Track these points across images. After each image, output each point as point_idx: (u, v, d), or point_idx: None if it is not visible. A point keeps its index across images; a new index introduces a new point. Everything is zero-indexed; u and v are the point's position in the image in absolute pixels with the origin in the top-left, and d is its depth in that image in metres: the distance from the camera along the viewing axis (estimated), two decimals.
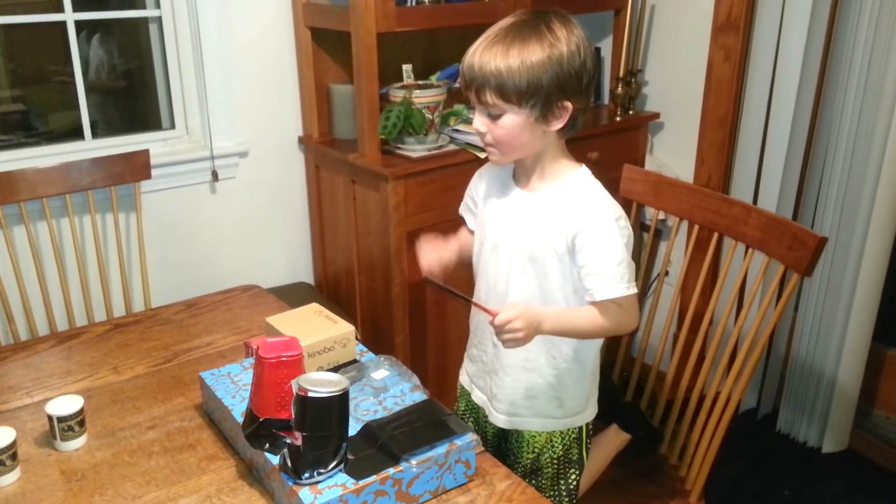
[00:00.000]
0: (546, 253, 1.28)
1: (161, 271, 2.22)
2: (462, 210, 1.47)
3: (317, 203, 2.39)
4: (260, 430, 1.14)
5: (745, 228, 1.52)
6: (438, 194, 2.08)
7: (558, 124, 1.23)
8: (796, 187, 2.33)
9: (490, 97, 1.20)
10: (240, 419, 1.20)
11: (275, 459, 1.11)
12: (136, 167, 2.00)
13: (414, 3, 2.06)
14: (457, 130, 2.21)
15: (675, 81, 2.52)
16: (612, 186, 1.69)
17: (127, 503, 1.15)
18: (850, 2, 2.08)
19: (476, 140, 2.05)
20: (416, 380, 1.33)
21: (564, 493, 1.43)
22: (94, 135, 2.16)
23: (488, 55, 1.19)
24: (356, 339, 1.41)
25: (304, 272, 2.51)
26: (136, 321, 1.74)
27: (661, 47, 2.54)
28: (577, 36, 1.20)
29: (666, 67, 2.54)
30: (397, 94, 2.08)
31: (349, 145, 2.18)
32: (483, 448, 1.24)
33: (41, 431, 1.31)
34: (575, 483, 1.43)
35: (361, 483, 1.06)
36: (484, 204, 1.39)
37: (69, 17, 2.05)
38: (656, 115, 2.55)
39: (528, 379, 1.37)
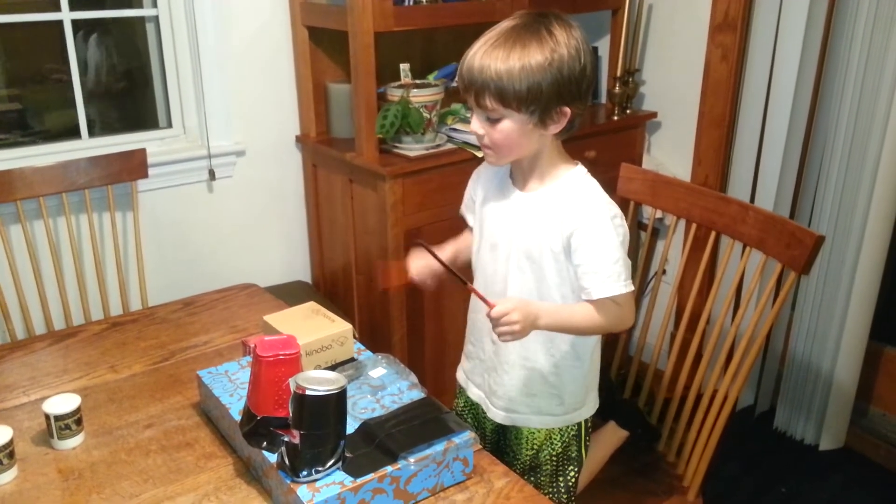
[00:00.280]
0: (543, 252, 1.28)
1: (158, 270, 2.22)
2: (463, 210, 1.47)
3: (314, 202, 2.39)
4: (257, 428, 1.13)
5: (742, 227, 1.52)
6: (436, 193, 2.08)
7: (556, 128, 1.23)
8: (793, 186, 2.33)
9: (489, 102, 1.20)
10: (237, 417, 1.20)
11: (272, 457, 1.11)
12: (133, 166, 2.00)
13: (411, 3, 2.06)
14: (454, 129, 2.21)
15: (672, 81, 2.52)
16: (610, 185, 1.69)
17: (124, 502, 1.14)
18: (846, 2, 2.08)
19: (473, 139, 2.04)
20: (413, 378, 1.33)
21: (563, 490, 1.43)
22: (91, 134, 2.16)
23: (488, 59, 1.18)
24: (354, 337, 1.41)
25: (301, 271, 2.51)
26: (134, 320, 1.74)
27: (659, 47, 2.54)
28: (577, 39, 1.20)
29: (663, 67, 2.54)
30: (395, 94, 2.07)
31: (347, 144, 2.18)
32: (481, 446, 1.24)
33: (38, 430, 1.31)
34: (573, 480, 1.44)
35: (359, 481, 1.06)
36: (482, 203, 1.39)
37: (66, 16, 2.04)
38: (654, 115, 2.55)
39: (526, 376, 1.37)
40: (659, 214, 1.75)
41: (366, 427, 1.17)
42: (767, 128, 2.29)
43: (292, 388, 1.06)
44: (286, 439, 1.09)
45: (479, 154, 2.01)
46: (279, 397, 1.12)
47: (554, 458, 1.42)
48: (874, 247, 2.15)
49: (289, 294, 2.07)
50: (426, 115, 2.09)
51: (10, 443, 1.19)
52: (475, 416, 1.50)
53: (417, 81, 2.17)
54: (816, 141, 2.27)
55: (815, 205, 2.27)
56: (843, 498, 2.23)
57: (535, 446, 1.41)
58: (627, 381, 1.78)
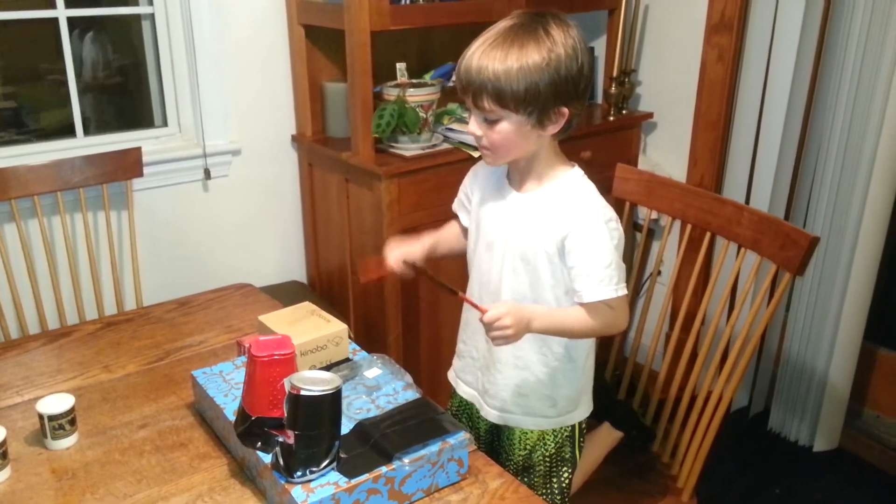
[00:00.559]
0: (537, 254, 1.28)
1: (153, 269, 2.22)
2: (455, 206, 1.47)
3: (310, 201, 2.39)
4: (252, 428, 1.13)
5: (737, 228, 1.52)
6: (432, 193, 2.08)
7: (554, 129, 1.23)
8: (788, 187, 2.34)
9: (487, 103, 1.19)
10: (232, 418, 1.20)
11: (267, 458, 1.11)
12: (129, 165, 2.00)
13: (408, 2, 2.06)
14: (450, 129, 2.21)
15: (668, 81, 2.52)
16: (606, 186, 1.70)
17: (118, 502, 1.14)
18: (842, 3, 2.09)
19: (469, 139, 2.05)
20: (408, 378, 1.33)
21: (557, 491, 1.43)
22: (87, 132, 2.15)
23: (486, 60, 1.18)
24: (349, 337, 1.41)
25: (296, 271, 2.51)
26: (128, 319, 1.73)
27: (655, 47, 2.54)
28: (574, 38, 1.20)
29: (659, 67, 2.55)
30: (391, 93, 2.07)
31: (342, 144, 2.18)
32: (476, 446, 1.24)
33: (32, 430, 1.30)
34: (567, 481, 1.44)
35: (354, 481, 1.06)
36: (478, 202, 1.39)
37: (62, 13, 2.04)
38: (649, 115, 2.56)
39: (519, 377, 1.37)
40: (654, 215, 1.75)
41: (361, 427, 1.17)
42: (763, 129, 2.30)
43: (287, 388, 1.06)
44: (281, 440, 1.08)
45: (476, 154, 2.01)
46: (274, 397, 1.12)
47: (547, 459, 1.42)
48: (869, 248, 2.16)
49: (284, 294, 2.06)
50: (422, 114, 2.09)
51: (4, 443, 1.19)
52: (469, 416, 1.50)
53: (414, 81, 2.16)
54: (812, 142, 2.28)
55: (810, 206, 2.28)
56: (837, 499, 2.24)
57: (529, 447, 1.41)
58: (622, 382, 1.78)
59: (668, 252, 1.91)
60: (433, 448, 1.13)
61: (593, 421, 1.51)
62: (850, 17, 2.06)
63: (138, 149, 2.01)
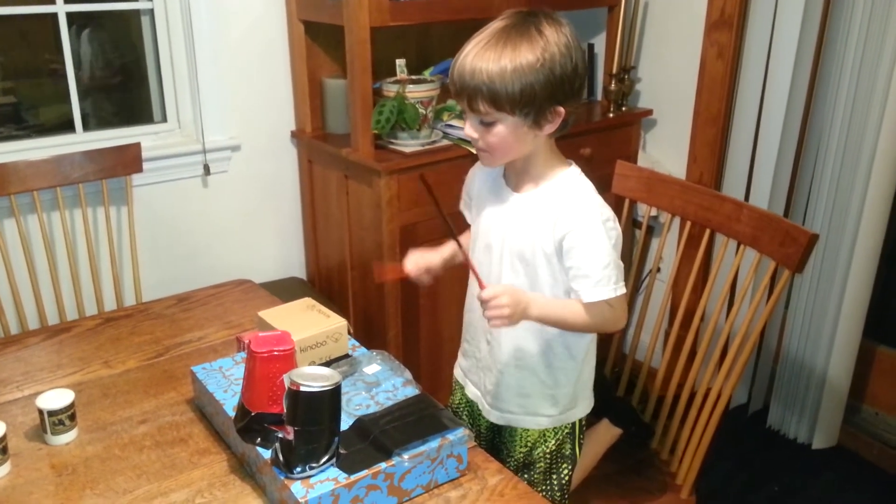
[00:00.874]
0: (535, 253, 1.28)
1: (152, 265, 2.22)
2: (462, 207, 1.47)
3: (309, 198, 2.38)
4: (252, 424, 1.13)
5: (736, 225, 1.52)
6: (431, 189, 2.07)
7: (550, 128, 1.23)
8: (788, 184, 2.34)
9: (482, 106, 1.19)
10: (231, 413, 1.20)
11: (266, 454, 1.11)
12: (128, 160, 2.00)
13: None
14: (450, 126, 2.21)
15: (668, 78, 2.52)
16: (605, 182, 1.70)
17: (118, 497, 1.14)
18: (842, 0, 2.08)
19: None
20: (408, 374, 1.33)
21: (556, 488, 1.43)
22: (86, 128, 2.15)
23: (479, 62, 1.17)
24: (348, 333, 1.41)
25: (296, 267, 2.51)
26: (128, 315, 1.73)
27: (655, 44, 2.54)
28: (567, 37, 1.19)
29: (659, 64, 2.54)
30: (391, 89, 2.07)
31: (342, 140, 2.17)
32: (475, 443, 1.24)
33: (32, 425, 1.31)
34: (567, 478, 1.44)
35: (353, 477, 1.06)
36: (477, 202, 1.40)
37: (61, 8, 2.03)
38: (649, 112, 2.56)
39: (521, 377, 1.37)
40: (654, 212, 1.75)
41: (360, 423, 1.17)
42: (762, 126, 2.30)
43: (286, 384, 1.06)
44: (280, 435, 1.09)
45: (475, 150, 2.01)
46: (273, 393, 1.12)
47: (547, 456, 1.42)
48: (868, 245, 2.16)
49: (283, 290, 2.07)
50: (422, 110, 2.09)
51: (4, 438, 1.19)
52: (471, 413, 1.50)
53: (413, 77, 2.16)
54: (811, 139, 2.28)
55: (810, 203, 2.28)
56: (835, 496, 2.24)
57: (529, 444, 1.42)
58: (621, 379, 1.78)
59: (667, 249, 1.91)
60: (432, 444, 1.13)
61: (592, 418, 1.51)
62: (850, 13, 2.06)
63: (138, 144, 2.01)
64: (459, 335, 1.50)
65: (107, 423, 1.33)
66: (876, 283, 2.22)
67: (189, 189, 2.26)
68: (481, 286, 1.19)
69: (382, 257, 2.07)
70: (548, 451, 1.42)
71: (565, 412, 1.40)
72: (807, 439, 2.42)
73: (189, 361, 1.49)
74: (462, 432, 1.16)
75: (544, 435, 1.41)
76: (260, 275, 2.30)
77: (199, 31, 2.14)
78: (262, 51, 2.26)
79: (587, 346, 1.38)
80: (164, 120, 2.26)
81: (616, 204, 1.80)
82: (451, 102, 2.33)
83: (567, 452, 1.43)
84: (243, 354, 1.37)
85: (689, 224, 1.64)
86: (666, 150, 2.58)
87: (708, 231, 1.59)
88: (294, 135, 2.37)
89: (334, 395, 1.06)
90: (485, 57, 1.17)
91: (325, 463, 1.07)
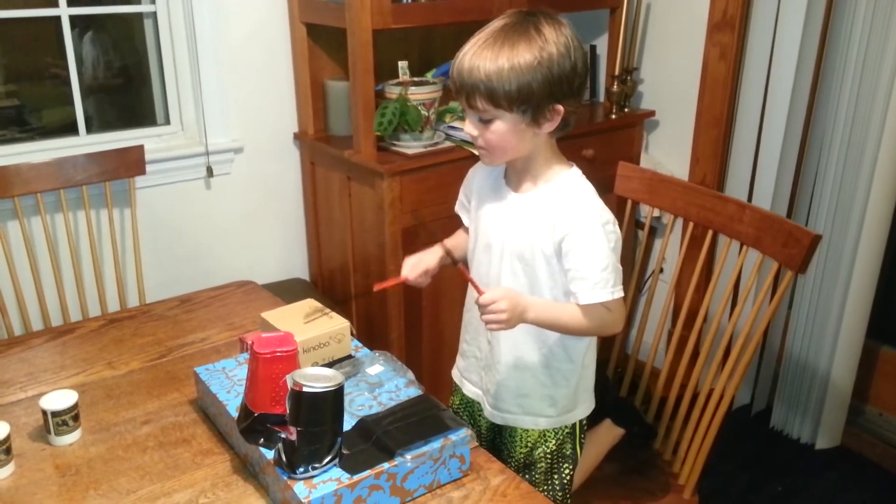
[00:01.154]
0: (535, 254, 1.28)
1: (155, 267, 2.22)
2: (457, 208, 1.48)
3: (312, 199, 2.39)
4: (254, 425, 1.14)
5: (739, 226, 1.52)
6: (434, 191, 2.08)
7: (550, 127, 1.23)
8: (791, 185, 2.33)
9: (480, 103, 1.20)
10: (234, 414, 1.20)
11: (269, 454, 1.11)
12: (131, 163, 2.00)
13: (410, 0, 2.06)
14: (452, 127, 2.21)
15: (670, 79, 2.52)
16: (608, 184, 1.70)
17: (121, 498, 1.15)
18: (844, 1, 2.08)
19: None
20: (410, 375, 1.33)
21: (558, 488, 1.43)
22: (89, 130, 2.15)
23: (477, 60, 1.18)
24: (351, 334, 1.42)
25: (299, 268, 2.51)
26: (131, 316, 1.74)
27: (657, 45, 2.54)
28: (567, 36, 1.19)
29: (661, 65, 2.54)
30: (393, 91, 2.07)
31: (344, 142, 2.18)
32: (477, 443, 1.24)
33: (35, 426, 1.31)
34: (568, 478, 1.44)
35: (356, 478, 1.06)
36: (477, 203, 1.40)
37: (64, 11, 2.04)
38: (651, 113, 2.56)
39: (520, 377, 1.37)
40: (656, 213, 1.75)
41: (363, 424, 1.17)
42: (765, 127, 2.29)
43: (289, 384, 1.06)
44: (283, 436, 1.09)
45: (476, 150, 2.01)
46: (276, 394, 1.12)
47: (548, 457, 1.42)
48: (871, 246, 2.16)
49: (286, 291, 2.07)
50: (424, 112, 2.09)
51: (7, 439, 1.19)
52: (471, 413, 1.50)
53: (416, 79, 2.16)
54: (814, 140, 2.27)
55: (813, 204, 2.27)
56: (838, 496, 2.24)
57: (529, 444, 1.42)
58: (624, 380, 1.78)
59: (670, 250, 1.91)
60: (435, 444, 1.13)
61: (594, 418, 1.51)
62: (853, 13, 2.06)
63: (141, 147, 2.02)
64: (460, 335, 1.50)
65: (110, 423, 1.33)
66: (879, 283, 2.22)
67: (192, 191, 2.26)
68: (479, 292, 1.19)
69: (385, 259, 2.07)
70: (548, 451, 1.42)
71: (565, 413, 1.40)
72: (810, 440, 2.42)
73: (192, 362, 1.49)
74: (464, 433, 1.16)
75: (544, 435, 1.41)
76: (263, 276, 2.30)
77: (202, 33, 2.15)
78: (265, 53, 2.27)
79: (586, 348, 1.38)
80: (167, 122, 2.27)
81: (619, 205, 1.80)
82: (453, 104, 2.33)
83: (568, 453, 1.43)
84: (246, 355, 1.37)
85: (691, 225, 1.64)
86: (668, 152, 2.58)
87: (710, 232, 1.59)
88: (296, 137, 2.38)
89: (337, 395, 1.06)
90: (483, 55, 1.18)
91: (327, 463, 1.07)
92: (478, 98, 1.19)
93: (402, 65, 2.17)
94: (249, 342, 1.19)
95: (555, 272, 1.28)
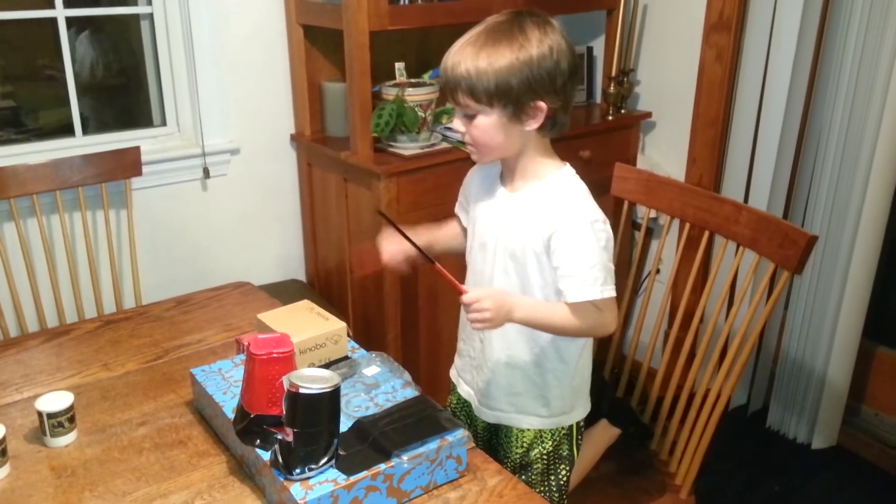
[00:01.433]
0: (525, 252, 1.29)
1: (152, 268, 2.22)
2: (456, 209, 1.49)
3: (309, 200, 2.39)
4: (251, 426, 1.13)
5: (735, 227, 1.53)
6: (430, 192, 2.08)
7: (534, 124, 1.24)
8: (787, 186, 2.34)
9: (463, 98, 1.23)
10: (231, 415, 1.20)
11: (266, 455, 1.11)
12: (127, 164, 2.00)
13: (407, 2, 2.06)
14: (449, 128, 2.21)
15: (666, 81, 2.52)
16: (604, 185, 1.70)
17: (117, 499, 1.14)
18: (841, 2, 2.09)
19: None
20: (407, 376, 1.33)
21: (555, 489, 1.43)
22: (85, 131, 2.15)
23: (460, 57, 1.22)
24: (347, 335, 1.41)
25: (295, 269, 2.51)
26: (127, 318, 1.73)
27: (654, 47, 2.55)
28: (551, 37, 1.21)
29: (658, 67, 2.55)
30: (390, 92, 2.08)
31: (341, 143, 2.18)
32: (474, 444, 1.24)
33: (31, 428, 1.31)
34: (565, 478, 1.44)
35: (352, 479, 1.06)
36: (474, 202, 1.40)
37: (60, 13, 2.04)
38: (648, 115, 2.56)
39: (511, 375, 1.37)
40: (653, 214, 1.75)
41: (359, 425, 1.17)
42: (761, 128, 2.30)
43: (286, 386, 1.06)
44: (279, 437, 1.09)
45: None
46: (273, 395, 1.12)
47: (545, 457, 1.42)
48: (867, 246, 2.16)
49: (283, 292, 2.07)
50: (421, 113, 2.09)
51: (3, 440, 1.19)
52: (467, 413, 1.50)
53: (412, 80, 2.17)
54: (810, 141, 2.28)
55: (809, 205, 2.28)
56: (835, 496, 2.24)
57: (525, 445, 1.42)
58: (621, 380, 1.78)
59: (666, 250, 1.91)
60: (432, 445, 1.13)
61: (591, 418, 1.51)
62: (849, 15, 2.06)
63: (137, 148, 2.01)
64: (458, 336, 1.50)
65: (106, 425, 1.33)
66: (875, 283, 2.22)
67: (188, 192, 2.26)
68: (458, 291, 1.20)
69: (381, 261, 2.07)
70: (545, 451, 1.42)
71: (559, 415, 1.40)
72: (806, 439, 2.42)
73: (188, 364, 1.49)
74: (461, 433, 1.16)
75: (540, 436, 1.41)
76: (259, 277, 2.30)
77: (199, 35, 2.15)
78: (262, 54, 2.27)
79: (579, 350, 1.38)
80: (164, 123, 2.27)
81: (615, 206, 1.81)
82: (449, 105, 2.33)
83: (564, 453, 1.43)
84: (243, 357, 1.37)
85: (688, 226, 1.64)
86: (665, 153, 2.59)
87: (707, 233, 1.59)
88: (293, 138, 2.38)
89: (333, 396, 1.06)
90: (465, 52, 1.21)
91: (324, 464, 1.07)
92: (460, 94, 1.22)
93: (399, 66, 2.17)
94: (246, 343, 1.18)
95: (545, 271, 1.28)
